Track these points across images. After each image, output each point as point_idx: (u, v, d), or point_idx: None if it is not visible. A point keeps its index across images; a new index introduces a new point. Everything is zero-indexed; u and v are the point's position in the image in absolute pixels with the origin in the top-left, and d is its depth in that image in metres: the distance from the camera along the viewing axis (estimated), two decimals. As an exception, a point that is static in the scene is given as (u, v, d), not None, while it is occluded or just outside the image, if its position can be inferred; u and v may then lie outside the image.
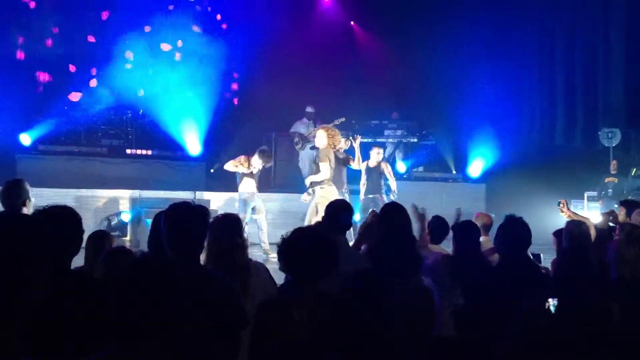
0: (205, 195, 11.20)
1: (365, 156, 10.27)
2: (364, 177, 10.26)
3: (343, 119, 12.82)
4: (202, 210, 2.91)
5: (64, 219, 2.72)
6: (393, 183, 10.35)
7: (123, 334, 1.88)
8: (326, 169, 8.08)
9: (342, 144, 9.08)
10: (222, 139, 13.43)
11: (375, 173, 10.24)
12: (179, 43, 13.26)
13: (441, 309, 3.32)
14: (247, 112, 13.27)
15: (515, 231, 3.96)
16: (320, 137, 8.28)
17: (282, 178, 13.55)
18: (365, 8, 15.18)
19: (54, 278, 2.12)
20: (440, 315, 3.28)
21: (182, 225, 2.86)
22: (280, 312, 2.74)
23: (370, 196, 10.11)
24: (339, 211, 4.23)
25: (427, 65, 14.03)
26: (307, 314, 2.76)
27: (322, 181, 8.07)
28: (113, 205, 10.49)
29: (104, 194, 10.59)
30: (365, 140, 13.43)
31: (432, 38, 14.05)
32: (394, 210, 4.30)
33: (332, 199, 7.55)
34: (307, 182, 8.34)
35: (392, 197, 10.05)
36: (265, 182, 13.52)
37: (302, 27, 14.48)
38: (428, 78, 14.10)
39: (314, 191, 8.16)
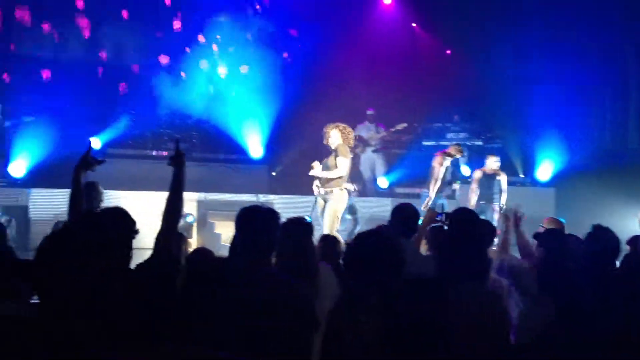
0: (268, 198, 11.27)
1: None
2: (475, 184, 10.14)
3: (405, 125, 12.73)
4: (272, 213, 2.91)
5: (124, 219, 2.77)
6: (504, 195, 10.14)
7: (197, 334, 1.88)
8: (345, 165, 7.79)
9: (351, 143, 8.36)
10: (284, 142, 13.49)
11: (489, 180, 10.09)
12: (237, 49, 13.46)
13: (523, 316, 3.21)
14: (309, 115, 13.28)
15: (605, 242, 3.85)
16: (335, 137, 7.98)
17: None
18: (427, 9, 15.00)
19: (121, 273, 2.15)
20: (515, 321, 3.18)
21: (253, 228, 2.86)
22: (350, 317, 2.70)
23: (483, 202, 10.03)
24: (408, 216, 4.18)
25: (491, 66, 13.75)
26: (375, 319, 2.72)
27: (339, 181, 7.76)
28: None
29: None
30: (428, 143, 13.29)
31: (496, 38, 13.76)
32: (463, 215, 4.19)
33: (345, 203, 7.74)
34: (322, 176, 7.91)
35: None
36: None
37: (363, 29, 14.42)
38: (492, 79, 13.81)
39: (327, 192, 7.83)
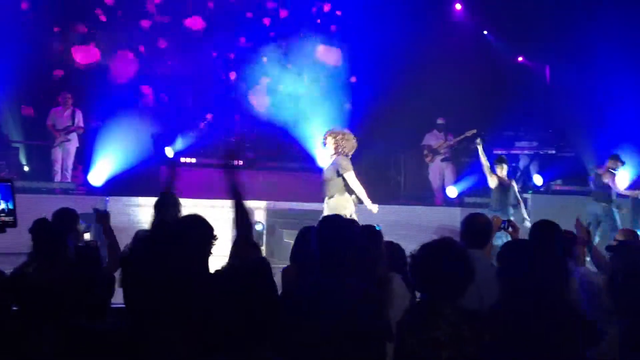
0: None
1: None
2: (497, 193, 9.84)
3: (474, 131, 12.53)
4: (351, 223, 2.95)
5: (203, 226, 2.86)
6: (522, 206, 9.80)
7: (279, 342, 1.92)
8: (354, 176, 7.44)
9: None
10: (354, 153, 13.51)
11: (504, 190, 9.80)
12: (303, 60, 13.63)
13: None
14: (377, 124, 13.27)
15: None
16: (329, 145, 7.49)
17: (412, 190, 13.46)
18: (498, 17, 14.77)
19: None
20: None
21: (332, 238, 2.90)
22: (423, 329, 2.69)
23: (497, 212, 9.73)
24: (480, 226, 4.13)
25: (563, 74, 13.41)
26: (447, 332, 2.70)
27: (334, 191, 7.38)
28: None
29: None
30: (498, 152, 13.05)
31: (568, 47, 13.41)
32: (546, 226, 4.14)
33: (341, 210, 7.15)
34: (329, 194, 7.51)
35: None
36: (395, 194, 13.51)
37: (431, 36, 14.31)
38: (564, 87, 13.47)
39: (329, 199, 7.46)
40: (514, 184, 9.89)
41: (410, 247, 4.55)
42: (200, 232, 2.67)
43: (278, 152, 12.94)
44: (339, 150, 7.47)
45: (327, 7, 14.18)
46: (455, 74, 13.88)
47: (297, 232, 4.40)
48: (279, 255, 9.17)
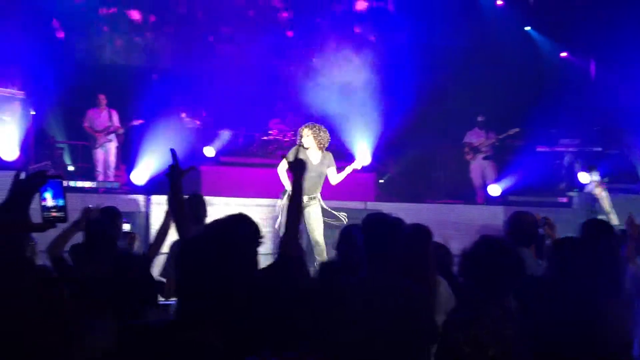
0: (377, 205, 11.24)
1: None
2: None
3: (517, 130, 12.32)
4: (397, 221, 2.91)
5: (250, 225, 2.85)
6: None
7: (321, 341, 1.90)
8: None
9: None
10: (392, 149, 13.45)
11: None
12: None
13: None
14: (417, 121, 13.16)
15: None
16: (309, 140, 7.33)
17: (452, 188, 13.31)
18: (542, 12, 14.49)
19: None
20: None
21: (378, 236, 2.87)
22: (469, 329, 2.63)
23: None
24: (527, 225, 4.03)
25: (609, 69, 13.08)
26: (493, 331, 2.64)
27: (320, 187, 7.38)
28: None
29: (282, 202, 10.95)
30: (542, 149, 12.81)
31: (614, 42, 13.06)
32: (598, 225, 4.02)
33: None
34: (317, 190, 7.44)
35: None
36: (435, 192, 13.38)
37: (472, 32, 14.12)
38: (610, 83, 13.14)
39: (312, 199, 7.34)
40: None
41: (451, 245, 4.52)
42: (247, 230, 2.66)
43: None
44: (322, 145, 7.41)
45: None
46: (497, 70, 13.68)
47: (340, 231, 4.40)
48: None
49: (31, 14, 12.03)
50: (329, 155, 7.49)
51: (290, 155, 6.98)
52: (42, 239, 3.94)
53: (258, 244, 2.60)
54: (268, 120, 13.16)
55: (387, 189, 13.36)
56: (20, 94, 11.12)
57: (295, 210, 3.07)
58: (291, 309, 1.92)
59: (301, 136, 7.37)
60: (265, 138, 12.90)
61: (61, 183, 2.10)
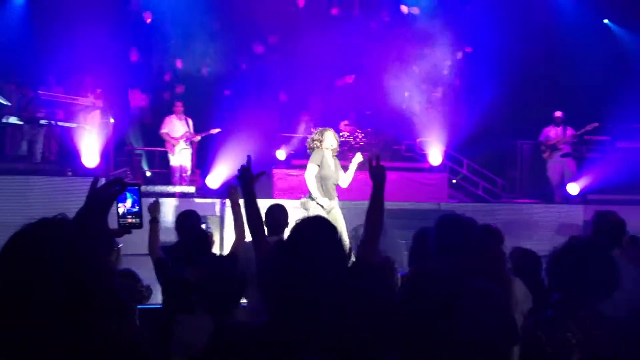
0: (450, 206, 11.07)
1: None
2: None
3: (596, 125, 11.86)
4: (470, 222, 2.85)
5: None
6: None
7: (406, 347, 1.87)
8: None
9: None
10: (466, 148, 13.23)
11: None
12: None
13: None
14: (493, 119, 12.89)
15: None
16: (333, 143, 7.18)
17: (529, 186, 12.97)
18: (620, 3, 13.92)
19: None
20: None
21: (451, 236, 2.82)
22: (554, 331, 2.53)
23: None
24: (613, 225, 3.86)
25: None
26: (578, 335, 2.54)
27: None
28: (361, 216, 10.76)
29: (355, 205, 10.93)
30: (623, 145, 12.30)
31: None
32: None
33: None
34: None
35: None
36: (511, 190, 13.07)
37: (550, 28, 13.72)
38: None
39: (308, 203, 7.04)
40: None
41: (527, 245, 4.39)
42: (328, 232, 2.65)
43: (386, 152, 12.84)
44: (334, 147, 7.24)
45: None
46: (574, 65, 13.23)
47: (414, 233, 4.35)
48: (392, 255, 9.05)
49: (111, 24, 12.47)
50: (337, 161, 7.33)
51: (317, 159, 6.94)
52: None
53: (344, 247, 2.58)
54: (338, 122, 13.17)
55: (461, 189, 13.14)
56: (99, 103, 11.54)
57: (380, 218, 3.02)
58: (378, 316, 1.89)
59: (322, 139, 7.14)
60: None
61: (138, 190, 2.14)
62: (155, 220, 4.21)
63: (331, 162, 7.11)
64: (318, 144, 7.11)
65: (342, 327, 1.95)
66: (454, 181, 13.12)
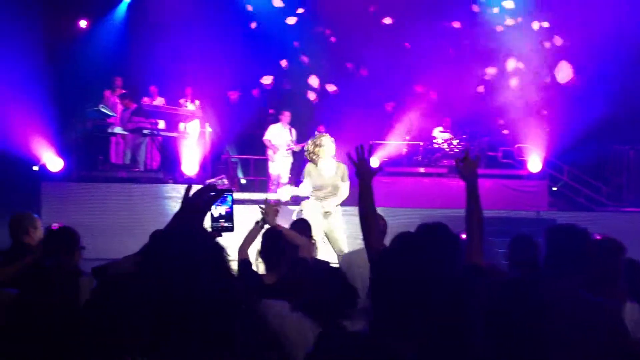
0: (550, 214, 10.66)
1: None
2: None
3: None
4: (584, 232, 2.70)
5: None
6: None
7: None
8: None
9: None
10: (566, 154, 12.71)
11: None
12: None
13: None
14: (597, 124, 12.31)
15: None
16: (330, 149, 7.12)
17: (637, 194, 12.31)
18: None
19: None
20: None
21: (564, 248, 2.67)
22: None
23: None
24: None
25: None
26: None
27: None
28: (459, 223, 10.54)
29: (451, 213, 10.75)
30: None
31: None
32: None
33: None
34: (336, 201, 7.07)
35: None
36: (615, 198, 12.43)
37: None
38: None
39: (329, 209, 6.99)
40: None
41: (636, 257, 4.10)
42: (445, 240, 2.61)
43: (487, 158, 12.53)
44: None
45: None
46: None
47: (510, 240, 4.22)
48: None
49: (213, 34, 12.90)
50: (343, 166, 7.17)
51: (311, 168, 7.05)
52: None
53: (456, 253, 2.53)
54: (432, 129, 13.01)
55: (562, 197, 12.62)
56: (199, 113, 11.93)
57: (479, 218, 2.92)
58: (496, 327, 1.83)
59: (321, 145, 7.09)
60: (429, 146, 12.75)
61: (231, 195, 2.19)
62: (262, 223, 4.25)
63: (327, 168, 7.09)
64: (314, 148, 7.12)
65: (457, 336, 1.91)
66: (554, 188, 12.63)
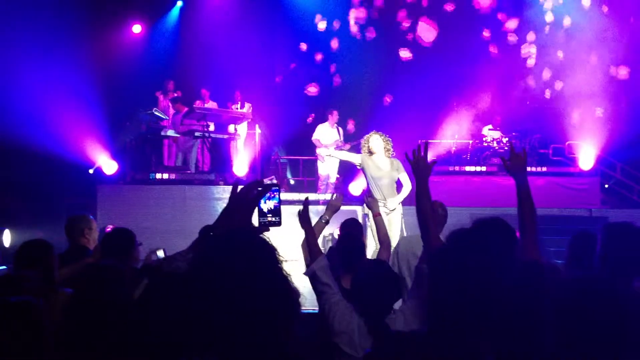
0: (603, 212, 10.47)
1: None
2: None
3: None
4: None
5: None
6: None
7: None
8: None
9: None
10: (620, 151, 12.42)
11: None
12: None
13: None
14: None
15: None
16: (377, 146, 7.22)
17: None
18: None
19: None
20: None
21: (620, 246, 2.68)
22: None
23: None
24: None
25: None
26: None
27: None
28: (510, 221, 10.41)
29: (502, 211, 10.62)
30: None
31: None
32: None
33: None
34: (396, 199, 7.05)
35: None
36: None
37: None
38: None
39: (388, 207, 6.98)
40: None
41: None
42: (507, 234, 2.62)
43: (534, 156, 12.34)
44: (389, 150, 7.31)
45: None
46: None
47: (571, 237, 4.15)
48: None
49: (263, 37, 13.06)
50: (397, 161, 7.28)
51: (356, 160, 7.27)
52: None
53: (514, 248, 2.52)
54: (481, 127, 12.89)
55: (615, 194, 12.34)
56: (249, 115, 12.10)
57: (532, 212, 2.90)
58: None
59: (368, 142, 7.27)
60: (479, 145, 12.63)
61: (278, 190, 2.25)
62: (325, 219, 4.28)
63: (382, 164, 7.20)
64: (364, 146, 7.33)
65: (528, 335, 1.93)
66: (606, 186, 12.36)
